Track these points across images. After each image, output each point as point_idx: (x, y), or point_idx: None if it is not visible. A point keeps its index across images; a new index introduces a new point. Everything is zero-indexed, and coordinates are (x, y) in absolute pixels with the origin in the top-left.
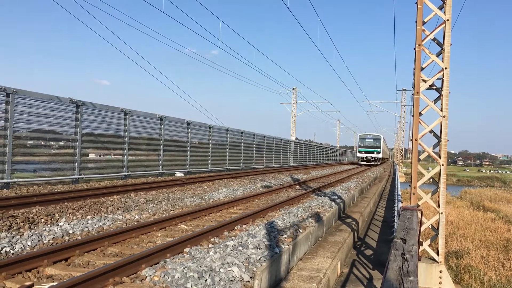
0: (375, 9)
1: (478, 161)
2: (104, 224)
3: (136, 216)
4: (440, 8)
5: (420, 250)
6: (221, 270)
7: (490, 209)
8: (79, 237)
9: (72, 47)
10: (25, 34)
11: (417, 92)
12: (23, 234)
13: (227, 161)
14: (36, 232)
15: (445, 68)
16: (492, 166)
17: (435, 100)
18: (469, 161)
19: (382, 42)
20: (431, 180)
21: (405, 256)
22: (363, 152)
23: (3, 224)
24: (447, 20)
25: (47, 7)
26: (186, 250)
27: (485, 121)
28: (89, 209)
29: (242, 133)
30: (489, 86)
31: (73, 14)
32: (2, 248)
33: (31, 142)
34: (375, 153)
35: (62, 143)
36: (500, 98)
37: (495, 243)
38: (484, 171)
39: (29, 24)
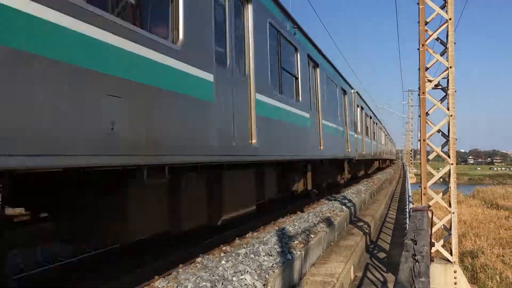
0: (377, 12)
1: (489, 158)
2: None
3: None
4: (442, 7)
5: (433, 251)
6: (234, 278)
7: (504, 207)
8: None
9: None
10: None
11: (423, 92)
12: None
13: None
14: None
15: (450, 67)
16: (503, 163)
17: (442, 100)
18: (479, 159)
19: (387, 44)
20: (441, 180)
21: (416, 257)
22: None
23: None
24: (450, 19)
25: None
26: (198, 259)
27: (494, 118)
28: None
29: None
30: (497, 83)
31: None
32: None
33: None
34: None
35: None
36: (508, 95)
37: (510, 241)
38: (495, 168)
39: None
